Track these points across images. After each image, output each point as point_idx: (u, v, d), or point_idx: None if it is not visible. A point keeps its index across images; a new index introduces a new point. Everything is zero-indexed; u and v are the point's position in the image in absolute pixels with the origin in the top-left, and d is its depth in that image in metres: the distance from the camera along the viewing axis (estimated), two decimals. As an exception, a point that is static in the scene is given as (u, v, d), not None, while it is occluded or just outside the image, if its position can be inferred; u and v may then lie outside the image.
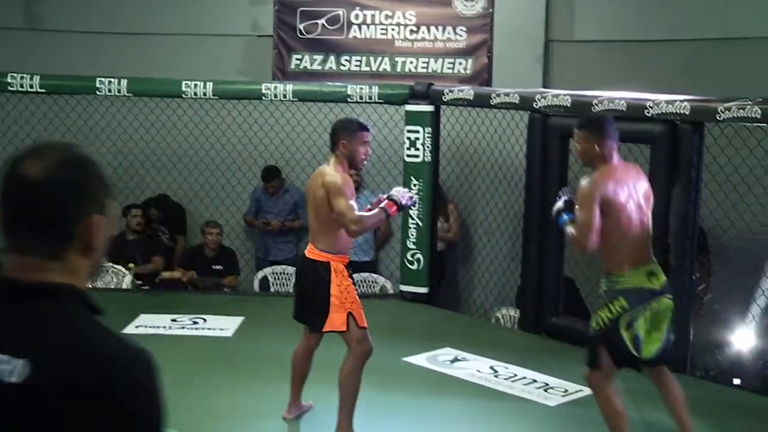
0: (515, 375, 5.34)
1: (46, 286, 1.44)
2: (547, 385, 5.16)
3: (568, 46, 7.85)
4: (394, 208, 4.38)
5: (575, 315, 6.11)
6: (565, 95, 5.99)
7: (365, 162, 4.51)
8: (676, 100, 5.37)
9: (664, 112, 5.40)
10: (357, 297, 4.35)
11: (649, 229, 4.09)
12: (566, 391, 5.03)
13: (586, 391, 5.04)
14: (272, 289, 7.60)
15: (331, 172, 4.30)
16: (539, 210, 6.13)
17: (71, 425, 1.34)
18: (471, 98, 6.65)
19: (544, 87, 7.38)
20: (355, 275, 7.35)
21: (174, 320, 6.34)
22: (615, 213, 3.93)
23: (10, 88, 6.98)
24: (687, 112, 5.30)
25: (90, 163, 1.54)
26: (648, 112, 5.47)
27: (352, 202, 4.25)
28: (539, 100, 6.07)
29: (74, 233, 1.47)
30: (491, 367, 5.46)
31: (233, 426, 4.52)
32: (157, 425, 1.41)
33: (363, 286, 7.53)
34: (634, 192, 4.03)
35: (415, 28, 7.93)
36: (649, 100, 5.52)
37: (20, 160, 1.47)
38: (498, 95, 6.42)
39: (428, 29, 7.92)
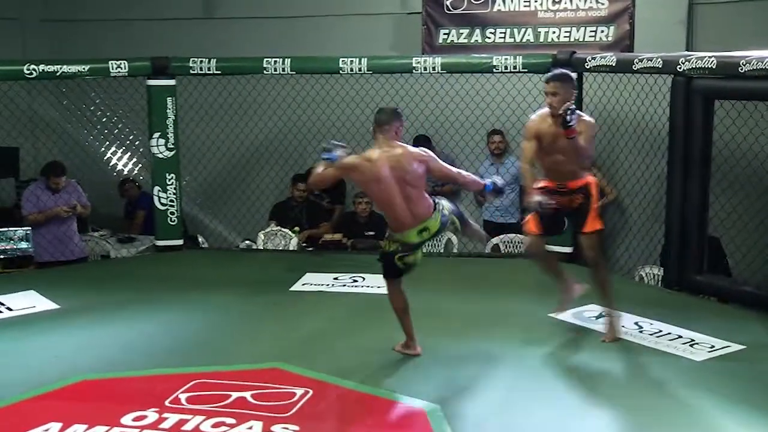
0: (660, 331, 5.15)
1: None
2: (692, 340, 4.94)
3: (711, 8, 7.43)
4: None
5: (719, 273, 5.82)
6: (710, 57, 5.65)
7: None
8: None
9: (814, 69, 5.02)
10: None
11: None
12: (713, 346, 4.81)
13: (734, 346, 4.84)
14: (424, 250, 7.60)
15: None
16: (682, 172, 5.85)
17: None
18: (613, 64, 6.40)
19: (688, 50, 7.01)
20: (502, 236, 7.43)
21: (336, 278, 6.47)
22: None
23: (192, 72, 7.26)
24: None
25: None
26: (796, 70, 5.10)
27: None
28: (683, 63, 5.76)
29: None
30: (636, 323, 5.28)
31: (387, 374, 4.56)
32: None
33: (510, 247, 7.46)
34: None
35: (557, -1, 7.71)
36: (799, 57, 5.14)
37: None
38: (641, 60, 6.14)
39: (570, -1, 7.68)
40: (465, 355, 4.80)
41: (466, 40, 7.97)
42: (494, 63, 6.88)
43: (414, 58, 7.12)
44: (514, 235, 7.47)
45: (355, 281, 6.40)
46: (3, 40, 8.25)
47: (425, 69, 7.03)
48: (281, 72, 7.17)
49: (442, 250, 7.61)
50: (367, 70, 7.11)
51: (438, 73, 7.11)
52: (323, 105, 7.96)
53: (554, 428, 3.93)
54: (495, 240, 7.48)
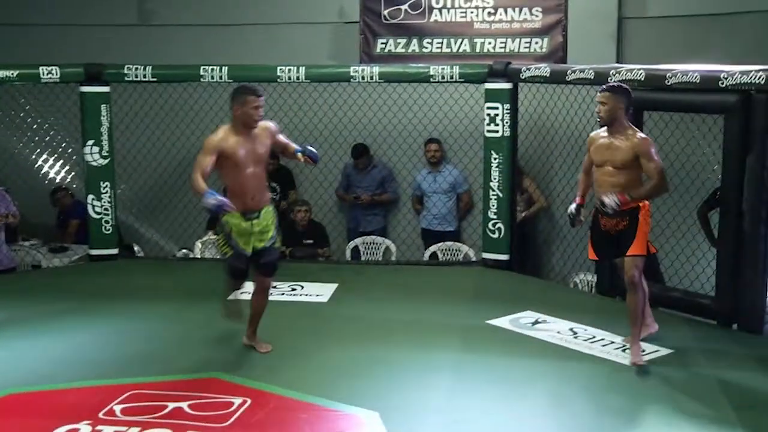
0: (594, 336, 5.23)
1: None
2: (625, 346, 5.02)
3: (640, 23, 7.61)
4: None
5: (650, 279, 5.92)
6: (639, 69, 5.78)
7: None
8: (751, 71, 5.14)
9: (738, 82, 5.17)
10: None
11: None
12: (643, 351, 4.89)
13: (663, 350, 4.94)
14: (363, 258, 7.62)
15: None
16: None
17: None
18: (548, 75, 6.50)
19: (618, 63, 7.16)
20: (440, 244, 7.48)
21: (274, 287, 6.38)
22: None
23: (126, 79, 7.12)
24: (762, 82, 5.06)
25: None
26: (722, 83, 5.25)
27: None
28: (613, 75, 5.88)
29: None
30: (571, 329, 5.36)
31: (326, 382, 4.54)
32: None
33: (448, 254, 7.50)
34: None
35: (492, 11, 7.80)
36: (723, 71, 5.29)
37: None
38: (573, 71, 6.25)
39: (505, 11, 7.78)
40: (404, 363, 4.79)
41: (403, 50, 8.00)
42: (431, 72, 6.92)
43: (352, 67, 7.11)
44: (451, 243, 7.52)
45: (294, 290, 6.35)
46: None
47: (363, 78, 7.02)
48: (218, 80, 7.09)
49: (380, 258, 7.61)
50: (306, 79, 7.08)
51: (376, 82, 7.12)
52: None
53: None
54: (433, 248, 7.51)
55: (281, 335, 5.33)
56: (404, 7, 7.93)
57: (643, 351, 4.83)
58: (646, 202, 4.81)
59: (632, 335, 4.85)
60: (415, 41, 7.96)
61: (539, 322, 5.51)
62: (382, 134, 7.85)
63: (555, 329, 5.36)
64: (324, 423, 4.05)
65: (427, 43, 7.94)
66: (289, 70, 7.00)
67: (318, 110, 7.84)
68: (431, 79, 6.96)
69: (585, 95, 6.52)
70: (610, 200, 4.68)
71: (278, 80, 7.07)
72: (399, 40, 8.00)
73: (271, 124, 4.95)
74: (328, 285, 6.42)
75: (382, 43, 8.04)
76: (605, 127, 4.81)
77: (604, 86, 4.89)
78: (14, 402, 4.27)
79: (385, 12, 7.97)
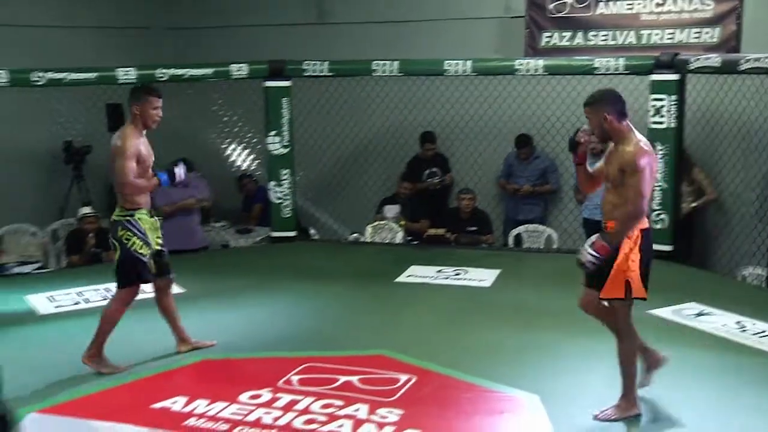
0: (764, 331, 4.91)
1: None
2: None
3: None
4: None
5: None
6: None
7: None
8: None
9: None
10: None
11: None
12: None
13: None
14: (525, 246, 7.53)
15: None
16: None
17: None
18: (718, 65, 6.14)
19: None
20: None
21: (439, 271, 6.46)
22: None
23: (305, 74, 7.38)
24: None
25: None
26: None
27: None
28: (791, 63, 5.47)
29: None
30: (738, 323, 5.06)
31: (487, 363, 4.53)
32: None
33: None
34: None
35: (661, 1, 7.44)
36: None
37: None
38: (747, 60, 5.86)
39: (674, 1, 7.40)
40: (564, 349, 4.71)
41: (568, 43, 7.80)
42: (596, 65, 6.71)
43: (517, 61, 7.01)
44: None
45: (458, 274, 6.37)
46: (136, 47, 8.59)
47: (528, 71, 6.92)
48: (389, 74, 7.20)
49: (542, 246, 7.49)
50: (472, 72, 7.05)
51: (540, 75, 6.99)
52: (428, 106, 7.96)
53: (654, 425, 3.81)
54: (594, 237, 7.28)
55: (446, 316, 5.37)
56: (570, 0, 7.72)
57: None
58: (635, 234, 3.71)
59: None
60: (580, 34, 7.74)
61: (703, 314, 5.24)
62: (546, 126, 7.71)
63: (720, 322, 5.08)
64: (485, 403, 4.04)
65: (592, 35, 7.69)
66: (456, 64, 7.01)
67: (483, 103, 7.80)
68: (596, 72, 6.75)
69: (759, 85, 6.11)
70: (584, 256, 3.72)
71: (445, 74, 7.09)
72: (564, 34, 7.80)
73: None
74: (491, 270, 6.39)
75: (546, 37, 7.87)
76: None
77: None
78: (207, 367, 4.56)
79: (551, 6, 7.80)
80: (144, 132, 4.56)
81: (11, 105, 7.46)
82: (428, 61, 7.24)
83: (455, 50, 7.52)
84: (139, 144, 4.49)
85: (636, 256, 3.71)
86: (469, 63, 7.00)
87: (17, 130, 7.69)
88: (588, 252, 3.71)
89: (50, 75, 6.76)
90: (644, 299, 3.78)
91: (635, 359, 3.85)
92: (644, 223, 3.76)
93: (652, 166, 3.71)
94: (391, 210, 7.69)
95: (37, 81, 6.73)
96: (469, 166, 8.09)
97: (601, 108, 3.77)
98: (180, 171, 4.64)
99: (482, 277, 6.28)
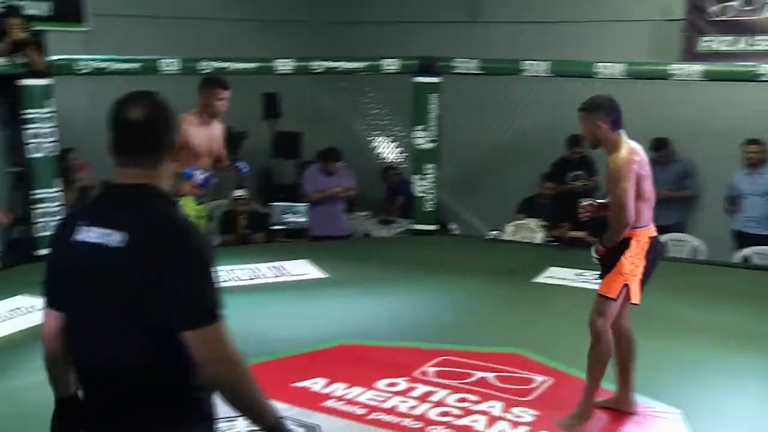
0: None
1: (142, 186, 1.89)
2: None
3: None
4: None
5: None
6: None
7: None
8: None
9: None
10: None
11: None
12: None
13: None
14: (669, 255, 7.20)
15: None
16: None
17: (152, 265, 1.80)
18: None
19: None
20: (755, 248, 6.82)
21: (578, 274, 6.29)
22: None
23: (454, 71, 7.37)
24: None
25: (167, 104, 1.93)
26: None
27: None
28: None
29: (165, 153, 1.91)
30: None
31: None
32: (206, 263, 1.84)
33: (763, 259, 6.84)
34: None
35: (837, 6, 6.93)
36: None
37: (124, 106, 1.89)
38: None
39: None
40: (709, 364, 4.48)
41: (728, 48, 7.39)
42: (760, 71, 6.33)
43: (673, 65, 6.71)
44: (766, 247, 6.85)
45: (598, 278, 6.17)
46: (294, 40, 8.84)
47: (684, 76, 6.60)
48: (538, 74, 7.06)
49: (685, 256, 7.15)
50: (625, 76, 6.81)
51: (697, 80, 6.65)
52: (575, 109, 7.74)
53: None
54: (747, 251, 6.90)
55: (584, 320, 5.22)
56: (736, 3, 7.30)
57: None
58: (639, 237, 3.69)
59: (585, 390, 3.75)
60: (743, 39, 7.31)
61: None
62: (694, 131, 7.33)
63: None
64: (623, 412, 3.91)
65: (759, 40, 7.25)
66: (606, 66, 6.79)
67: (634, 106, 7.50)
68: (759, 78, 6.37)
69: None
70: (593, 252, 3.80)
71: (595, 76, 6.89)
72: (725, 38, 7.39)
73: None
74: (632, 278, 6.16)
75: (705, 41, 7.48)
76: None
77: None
78: (344, 352, 4.65)
79: (713, 9, 7.41)
80: (211, 120, 4.61)
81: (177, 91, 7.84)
82: (579, 62, 7.06)
83: (607, 53, 7.28)
84: (189, 129, 4.42)
85: (641, 263, 3.70)
86: (620, 66, 6.76)
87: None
88: (594, 250, 3.81)
89: (216, 64, 7.07)
90: (636, 305, 3.77)
91: (606, 363, 3.74)
92: (652, 231, 3.76)
93: (639, 173, 3.65)
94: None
95: (204, 69, 7.07)
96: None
97: (596, 116, 3.71)
98: (198, 175, 4.53)
99: (623, 283, 6.05)
